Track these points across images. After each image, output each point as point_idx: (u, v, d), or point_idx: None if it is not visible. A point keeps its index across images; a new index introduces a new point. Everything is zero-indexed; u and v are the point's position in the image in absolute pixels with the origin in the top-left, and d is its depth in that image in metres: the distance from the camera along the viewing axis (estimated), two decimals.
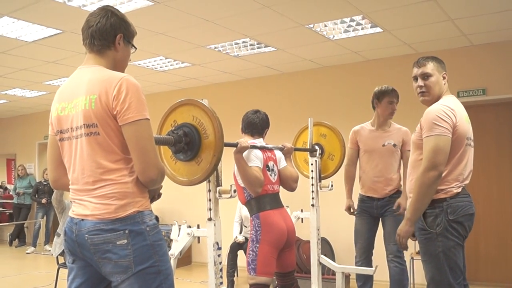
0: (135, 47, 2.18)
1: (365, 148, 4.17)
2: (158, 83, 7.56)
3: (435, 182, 2.61)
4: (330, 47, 5.64)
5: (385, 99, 4.11)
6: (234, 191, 2.66)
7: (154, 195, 2.19)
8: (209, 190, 2.68)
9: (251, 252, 3.28)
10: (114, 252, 1.87)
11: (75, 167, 1.99)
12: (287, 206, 4.16)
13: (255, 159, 3.31)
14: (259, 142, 3.48)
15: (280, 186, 3.57)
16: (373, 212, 4.15)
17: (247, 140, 3.24)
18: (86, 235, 1.90)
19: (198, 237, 2.92)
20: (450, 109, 2.66)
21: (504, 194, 5.60)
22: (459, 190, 2.70)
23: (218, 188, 2.68)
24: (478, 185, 5.64)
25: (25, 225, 10.06)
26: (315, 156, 3.94)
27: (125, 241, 1.87)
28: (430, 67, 2.81)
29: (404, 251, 3.47)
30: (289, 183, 3.57)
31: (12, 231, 10.03)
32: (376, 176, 4.13)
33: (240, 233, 6.13)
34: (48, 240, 9.31)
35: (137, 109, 1.88)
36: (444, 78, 2.84)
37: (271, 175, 3.44)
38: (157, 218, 1.99)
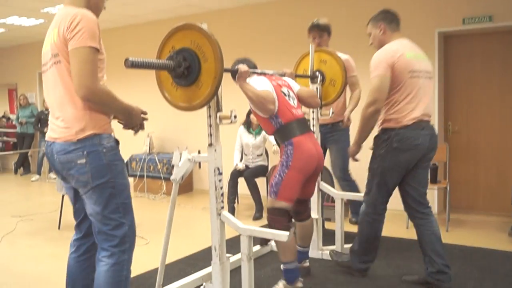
0: None
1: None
2: (156, 9, 7.38)
3: (374, 116, 3.18)
4: None
5: (310, 36, 4.33)
6: (235, 116, 2.66)
7: (136, 125, 2.39)
8: (210, 116, 2.68)
9: (277, 176, 3.15)
10: (76, 170, 2.25)
11: (48, 93, 2.33)
12: None
13: (261, 84, 3.19)
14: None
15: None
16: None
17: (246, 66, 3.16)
18: (56, 155, 2.29)
19: (199, 163, 2.95)
20: (389, 51, 3.16)
21: (506, 124, 5.56)
22: (410, 123, 3.15)
23: (218, 114, 2.68)
24: (481, 114, 5.65)
25: (29, 154, 10.19)
26: (316, 83, 3.90)
27: (84, 160, 2.22)
28: (368, 28, 3.43)
29: None
30: (313, 100, 3.50)
31: (16, 160, 10.20)
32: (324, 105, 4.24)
33: (241, 161, 6.19)
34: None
35: (83, 37, 2.10)
36: (380, 28, 3.33)
37: (289, 100, 3.27)
38: (117, 141, 2.33)
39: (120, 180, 2.31)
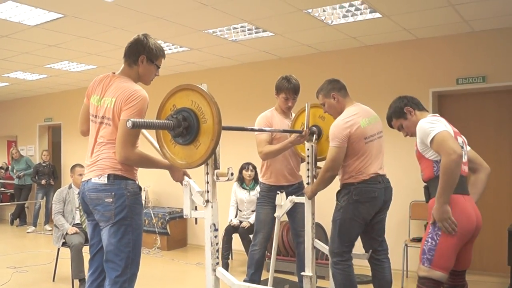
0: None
1: (280, 136, 4.11)
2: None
3: (329, 180, 3.57)
4: (328, 32, 5.64)
5: (281, 95, 4.15)
6: (232, 174, 2.72)
7: (177, 180, 2.91)
8: (207, 173, 2.75)
9: (430, 240, 2.80)
10: (102, 206, 2.74)
11: (91, 139, 2.88)
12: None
13: (439, 124, 2.89)
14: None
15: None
16: None
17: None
18: (87, 192, 2.79)
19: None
20: (345, 122, 3.50)
21: (502, 183, 5.54)
22: (367, 178, 3.50)
23: (216, 171, 2.74)
24: None
25: (25, 205, 10.18)
26: (311, 141, 3.97)
27: (111, 199, 2.71)
28: (320, 99, 3.77)
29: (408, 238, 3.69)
30: (482, 164, 3.18)
31: (13, 211, 10.16)
32: (294, 163, 4.26)
33: (235, 216, 6.21)
34: (48, 220, 9.41)
35: (133, 114, 2.64)
36: (333, 97, 3.68)
37: (463, 152, 2.92)
38: (140, 187, 2.86)
39: (136, 220, 2.79)
